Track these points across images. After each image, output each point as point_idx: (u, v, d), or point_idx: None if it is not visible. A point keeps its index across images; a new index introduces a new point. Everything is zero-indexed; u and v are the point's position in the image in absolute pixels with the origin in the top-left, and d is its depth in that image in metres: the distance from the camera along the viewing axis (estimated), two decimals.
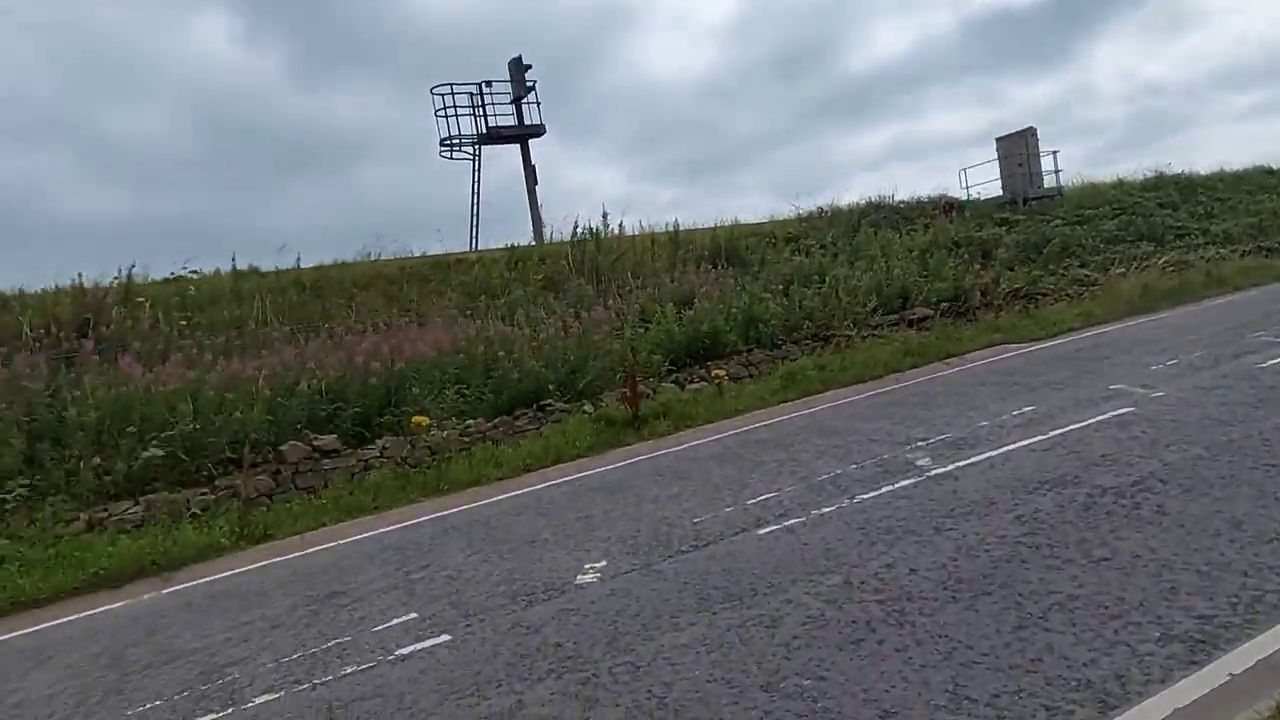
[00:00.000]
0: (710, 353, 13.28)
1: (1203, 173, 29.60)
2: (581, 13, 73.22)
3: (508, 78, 21.62)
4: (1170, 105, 79.39)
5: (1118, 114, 78.06)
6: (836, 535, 5.80)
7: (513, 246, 19.12)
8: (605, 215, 19.43)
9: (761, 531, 6.13)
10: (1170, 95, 79.93)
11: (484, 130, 21.05)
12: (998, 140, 25.03)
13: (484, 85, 20.84)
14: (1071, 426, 7.81)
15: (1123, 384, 9.43)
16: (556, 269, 18.11)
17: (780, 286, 15.60)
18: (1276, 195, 27.75)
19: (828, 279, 15.43)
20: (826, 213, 23.18)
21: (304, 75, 63.51)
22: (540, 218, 21.47)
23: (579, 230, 18.82)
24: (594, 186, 67.74)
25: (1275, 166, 31.82)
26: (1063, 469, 6.52)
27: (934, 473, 7.01)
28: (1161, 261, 17.72)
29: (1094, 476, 6.20)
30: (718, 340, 13.28)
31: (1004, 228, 21.38)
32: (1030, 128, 24.34)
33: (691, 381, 12.59)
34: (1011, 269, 16.93)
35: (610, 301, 16.01)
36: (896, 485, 6.80)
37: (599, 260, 18.25)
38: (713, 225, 21.26)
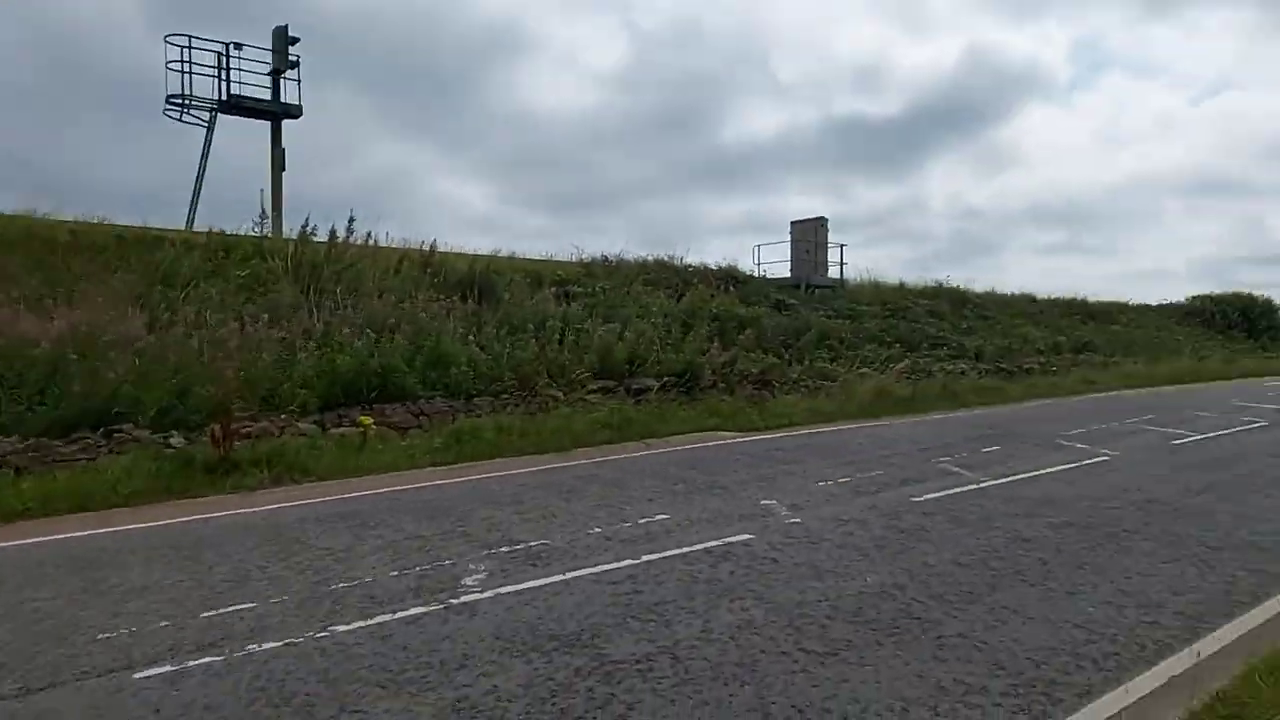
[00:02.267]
0: (383, 394, 11.44)
1: (978, 290, 31.19)
2: (475, 30, 71.60)
3: (272, 47, 19.15)
4: (985, 229, 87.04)
5: (943, 228, 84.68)
6: (220, 693, 4.11)
7: (220, 232, 16.54)
8: (351, 220, 17.16)
9: (139, 676, 4.34)
10: (986, 221, 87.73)
11: (224, 96, 18.42)
12: (792, 224, 25.02)
13: (231, 46, 18.27)
14: (672, 551, 6.56)
15: (775, 500, 8.42)
16: (269, 270, 15.76)
17: (505, 331, 14.06)
18: (1032, 323, 29.50)
19: (548, 329, 14.04)
20: (610, 262, 22.06)
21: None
22: (281, 210, 18.97)
23: (308, 228, 16.46)
24: (459, 199, 65.30)
25: (1039, 296, 34.16)
26: (588, 620, 5.13)
27: (467, 598, 5.48)
28: (899, 366, 17.67)
29: (608, 641, 4.84)
30: (389, 380, 11.45)
31: (775, 309, 21.02)
32: (821, 218, 24.48)
33: (340, 425, 10.68)
34: (751, 352, 16.25)
35: (316, 315, 13.93)
36: (405, 613, 5.21)
37: (324, 268, 16.06)
38: (472, 253, 19.53)
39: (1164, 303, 42.87)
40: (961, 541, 6.83)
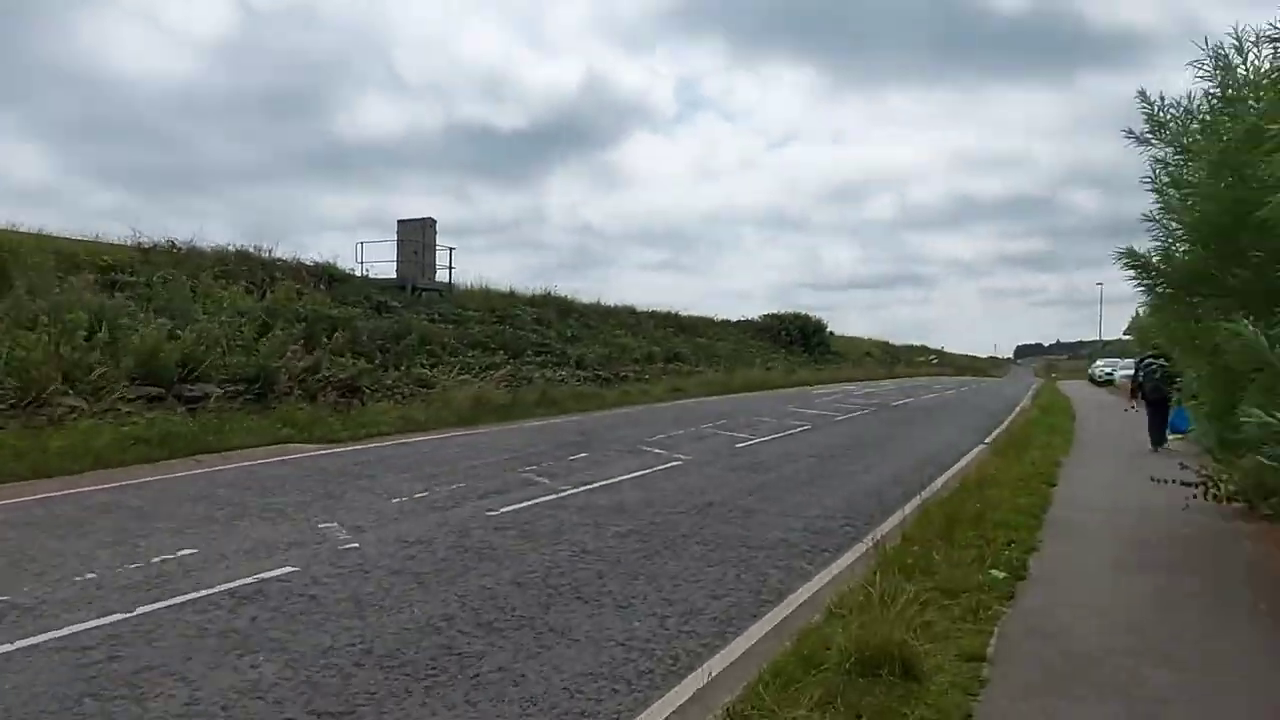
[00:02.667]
0: None
1: (584, 301, 32.66)
2: None
3: None
4: (600, 244, 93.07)
5: (562, 240, 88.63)
6: None
7: None
8: None
9: None
10: (601, 236, 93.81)
11: None
12: (399, 223, 23.84)
13: None
14: (184, 597, 5.27)
15: (337, 522, 7.44)
16: None
17: (8, 324, 11.09)
18: (631, 333, 31.63)
19: (69, 324, 11.39)
20: (178, 249, 18.94)
21: None
22: None
23: None
24: None
25: (639, 309, 36.88)
26: (26, 710, 3.82)
27: None
28: (500, 373, 17.55)
29: None
30: None
31: (376, 311, 19.70)
32: (429, 219, 23.65)
33: None
34: (341, 356, 14.92)
35: None
36: None
37: None
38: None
39: (743, 319, 49.18)
40: (526, 559, 6.46)
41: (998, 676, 4.09)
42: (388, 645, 4.64)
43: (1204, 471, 8.28)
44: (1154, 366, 13.66)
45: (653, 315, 37.39)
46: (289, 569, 6.01)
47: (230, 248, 19.42)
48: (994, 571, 5.84)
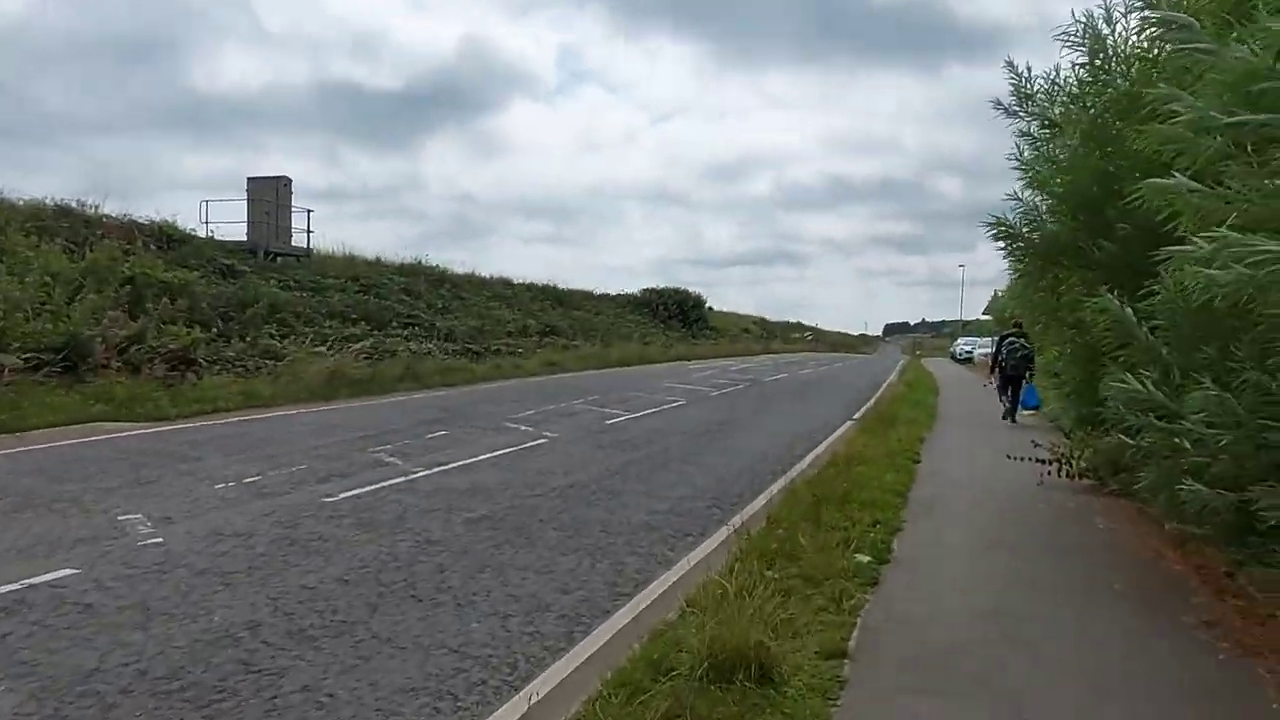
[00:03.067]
0: None
1: (458, 271, 31.44)
2: None
3: None
4: (481, 215, 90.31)
5: (442, 209, 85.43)
6: None
7: None
8: None
9: None
10: (481, 206, 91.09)
11: None
12: (250, 181, 21.98)
13: None
14: None
15: (143, 513, 6.53)
16: None
17: None
18: (506, 305, 30.73)
19: None
20: None
21: None
22: None
23: None
24: None
25: (515, 281, 35.92)
26: None
27: None
28: (358, 346, 16.47)
29: None
30: None
31: (222, 276, 18.09)
32: (284, 177, 21.99)
33: None
34: (173, 324, 13.44)
35: None
36: None
37: None
38: None
39: (622, 293, 48.77)
40: (360, 551, 5.79)
41: (858, 675, 3.79)
42: (170, 664, 3.91)
43: (1057, 449, 8.43)
44: (1014, 345, 14.09)
45: (530, 288, 36.50)
46: (67, 571, 5.14)
47: (48, 201, 17.34)
48: (859, 556, 5.61)
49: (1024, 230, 5.64)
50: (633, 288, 50.68)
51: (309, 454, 9.30)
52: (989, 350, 17.30)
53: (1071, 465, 8.24)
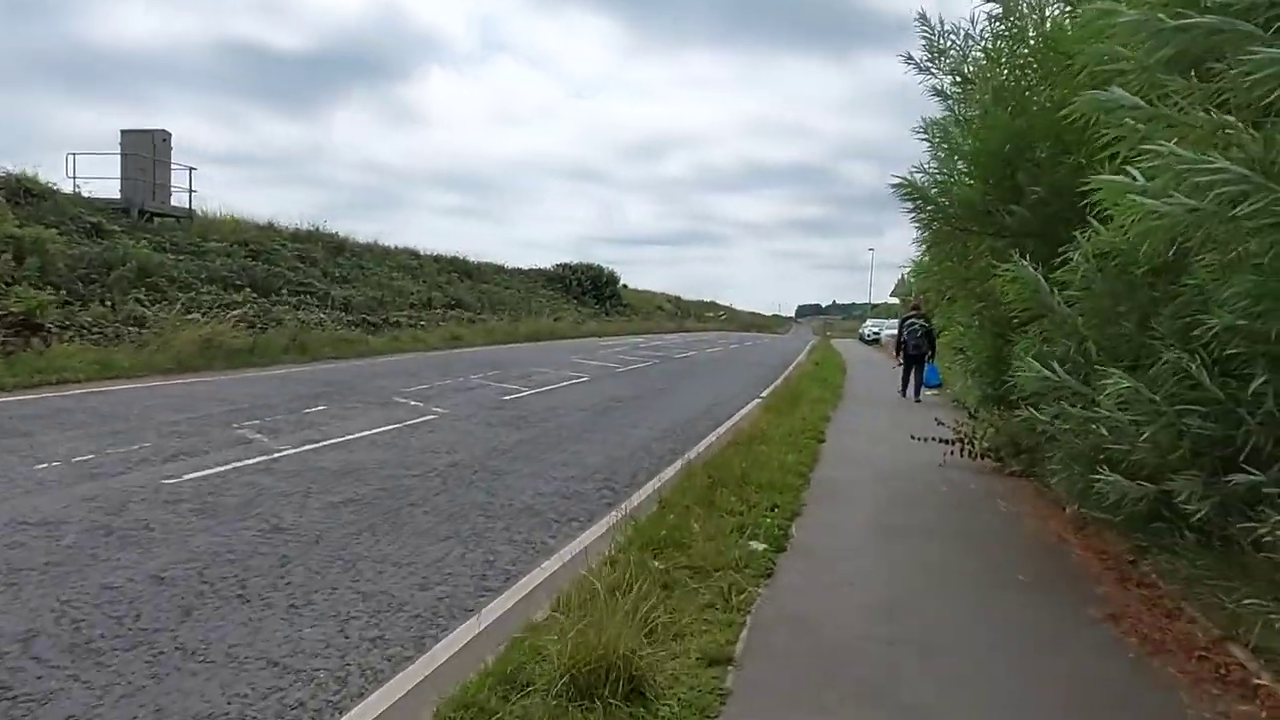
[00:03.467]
0: None
1: (361, 240, 29.97)
2: None
3: None
4: (392, 185, 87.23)
5: (352, 178, 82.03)
6: None
7: None
8: None
9: None
10: (393, 176, 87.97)
11: None
12: (123, 134, 20.13)
13: None
14: None
15: None
16: None
17: None
18: (411, 277, 29.50)
19: None
20: None
21: None
22: None
23: None
24: None
25: (422, 252, 34.56)
26: None
27: None
28: (236, 313, 15.28)
29: None
30: None
31: (87, 235, 16.50)
32: (163, 131, 20.27)
33: None
34: (16, 285, 12.04)
35: None
36: None
37: None
38: None
39: (534, 268, 47.69)
40: (191, 542, 5.04)
41: (742, 686, 3.32)
42: None
43: (960, 428, 8.23)
44: (915, 325, 14.49)
45: (437, 259, 35.17)
46: None
47: None
48: (753, 543, 5.19)
49: (933, 193, 5.27)
50: (548, 264, 49.69)
51: (161, 430, 8.37)
52: (895, 332, 17.47)
53: (974, 445, 8.05)
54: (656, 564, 4.78)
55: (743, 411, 12.38)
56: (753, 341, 44.33)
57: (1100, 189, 2.87)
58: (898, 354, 15.37)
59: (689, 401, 13.56)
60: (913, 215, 5.46)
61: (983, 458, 7.93)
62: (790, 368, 22.35)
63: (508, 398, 12.60)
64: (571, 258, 52.14)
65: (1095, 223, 3.68)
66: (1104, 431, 3.40)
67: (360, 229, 41.93)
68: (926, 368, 14.51)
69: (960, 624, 4.12)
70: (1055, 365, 3.61)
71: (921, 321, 14.32)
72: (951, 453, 8.04)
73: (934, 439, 8.25)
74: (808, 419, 10.85)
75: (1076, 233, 3.66)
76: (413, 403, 11.37)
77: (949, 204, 5.10)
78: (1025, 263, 3.63)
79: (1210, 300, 3.18)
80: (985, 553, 5.41)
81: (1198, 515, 3.29)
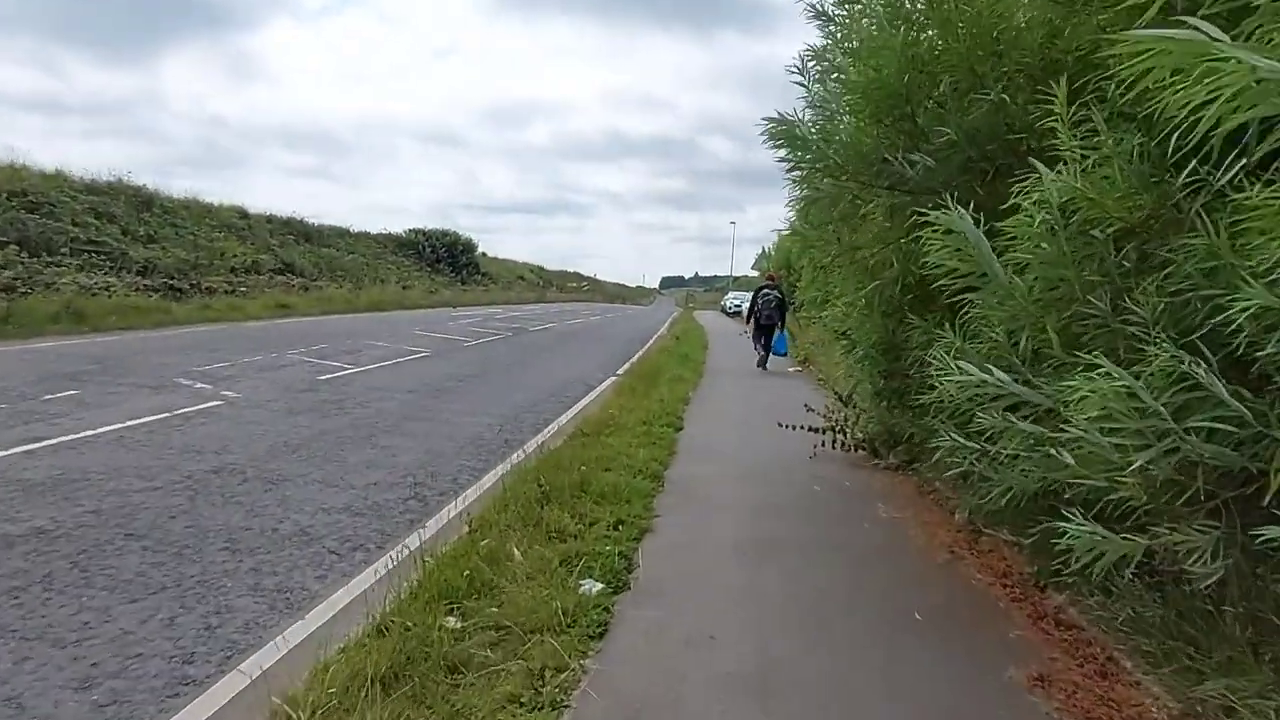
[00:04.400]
0: None
1: (178, 196, 26.62)
2: None
3: None
4: (234, 142, 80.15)
5: (189, 133, 74.51)
6: None
7: None
8: None
9: None
10: (235, 132, 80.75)
11: None
12: None
13: None
14: None
15: None
16: None
17: None
18: (237, 238, 26.54)
19: None
20: None
21: None
22: None
23: None
24: None
25: (252, 211, 31.32)
26: None
27: None
28: None
29: None
30: None
31: None
32: None
33: None
34: None
35: None
36: None
37: None
38: None
39: (384, 232, 44.64)
40: None
41: None
42: None
43: (831, 415, 7.31)
44: (768, 296, 14.82)
45: (270, 220, 31.99)
46: None
47: None
48: (586, 583, 3.95)
49: (813, 136, 4.11)
50: (400, 229, 46.68)
51: None
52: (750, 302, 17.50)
53: (846, 436, 7.15)
54: (451, 623, 3.48)
55: (596, 392, 11.17)
56: (615, 313, 43.34)
57: (1148, 56, 1.74)
58: (748, 321, 15.69)
59: (538, 380, 12.22)
60: (788, 164, 4.32)
61: (856, 450, 7.04)
62: (651, 341, 21.35)
63: (325, 377, 10.83)
64: (430, 224, 49.23)
65: (1040, 164, 2.61)
66: (1069, 460, 2.34)
67: (198, 186, 37.76)
68: (777, 336, 14.93)
69: (855, 701, 3.03)
70: (992, 367, 2.54)
71: (775, 293, 14.79)
72: (823, 444, 7.10)
73: (803, 427, 7.30)
74: (666, 401, 9.75)
75: (1034, 174, 2.57)
76: (199, 385, 9.47)
77: (833, 152, 4.00)
78: (964, 212, 2.53)
79: (1228, 272, 2.15)
80: (872, 578, 4.39)
81: (1206, 582, 2.28)
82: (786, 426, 7.41)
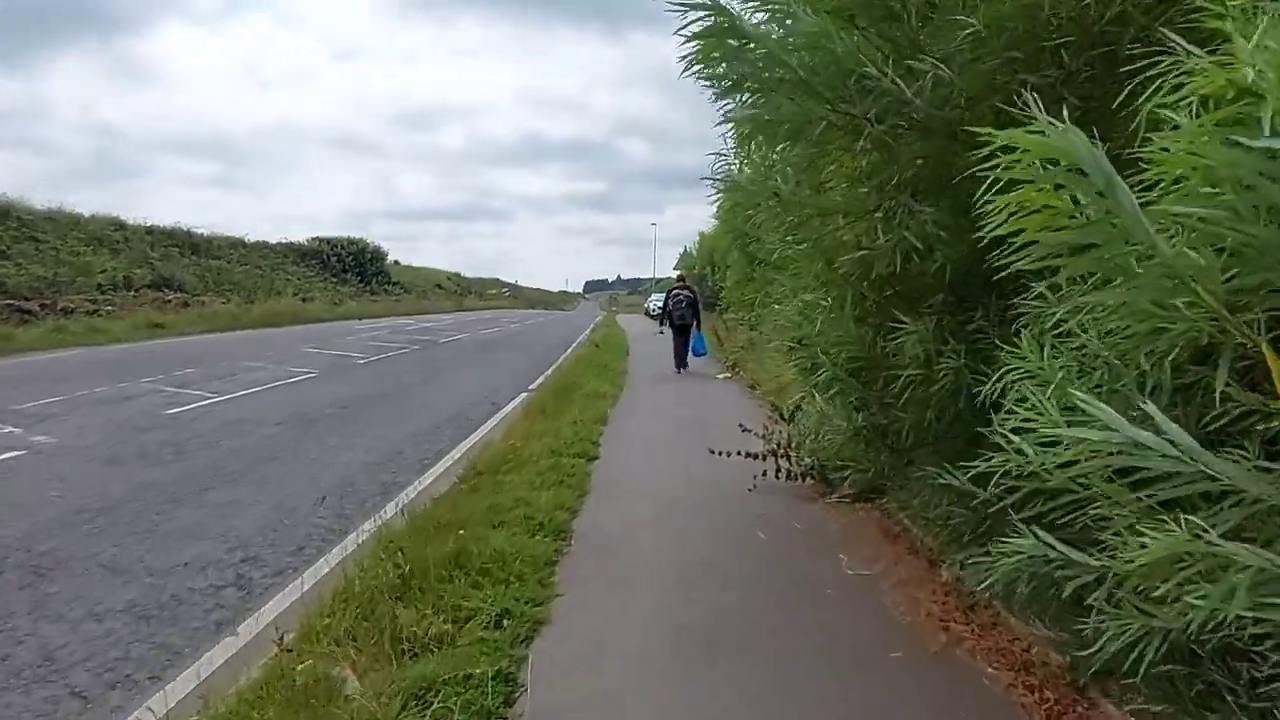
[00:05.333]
0: None
1: (40, 207, 23.99)
2: None
3: None
4: (130, 152, 75.01)
5: (78, 143, 69.30)
6: None
7: None
8: None
9: None
10: (130, 142, 75.65)
11: None
12: None
13: None
14: None
15: None
16: None
17: None
18: (110, 251, 24.13)
19: None
20: None
21: None
22: None
23: None
24: None
25: (129, 221, 28.72)
26: None
27: None
28: None
29: None
30: None
31: None
32: None
33: None
34: None
35: None
36: None
37: None
38: None
39: (284, 241, 41.94)
40: None
41: None
42: None
43: (771, 436, 6.14)
44: (680, 297, 14.45)
45: (151, 230, 29.39)
46: None
47: None
48: None
49: (761, 31, 2.71)
50: (303, 237, 44.02)
51: None
52: (662, 305, 17.06)
53: (790, 460, 5.98)
54: None
55: (504, 413, 9.81)
56: (537, 320, 41.78)
57: None
58: (662, 324, 15.46)
59: (439, 401, 10.77)
60: (725, 83, 2.92)
61: (803, 479, 5.87)
62: (570, 350, 19.98)
63: (174, 411, 9.17)
64: (348, 233, 46.66)
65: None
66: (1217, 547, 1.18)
67: (89, 200, 34.80)
68: (693, 336, 14.59)
69: None
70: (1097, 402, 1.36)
71: (687, 294, 14.57)
72: (765, 473, 5.91)
73: (739, 453, 6.11)
74: (580, 422, 8.46)
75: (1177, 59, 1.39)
76: (6, 429, 7.74)
77: (794, 58, 2.66)
78: (1075, 130, 1.37)
79: None
80: (849, 688, 3.18)
81: None
82: (720, 454, 6.20)
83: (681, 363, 14.47)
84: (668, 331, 15.05)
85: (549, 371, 14.49)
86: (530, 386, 12.20)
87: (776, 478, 5.88)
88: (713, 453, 6.21)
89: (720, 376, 13.55)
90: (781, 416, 6.31)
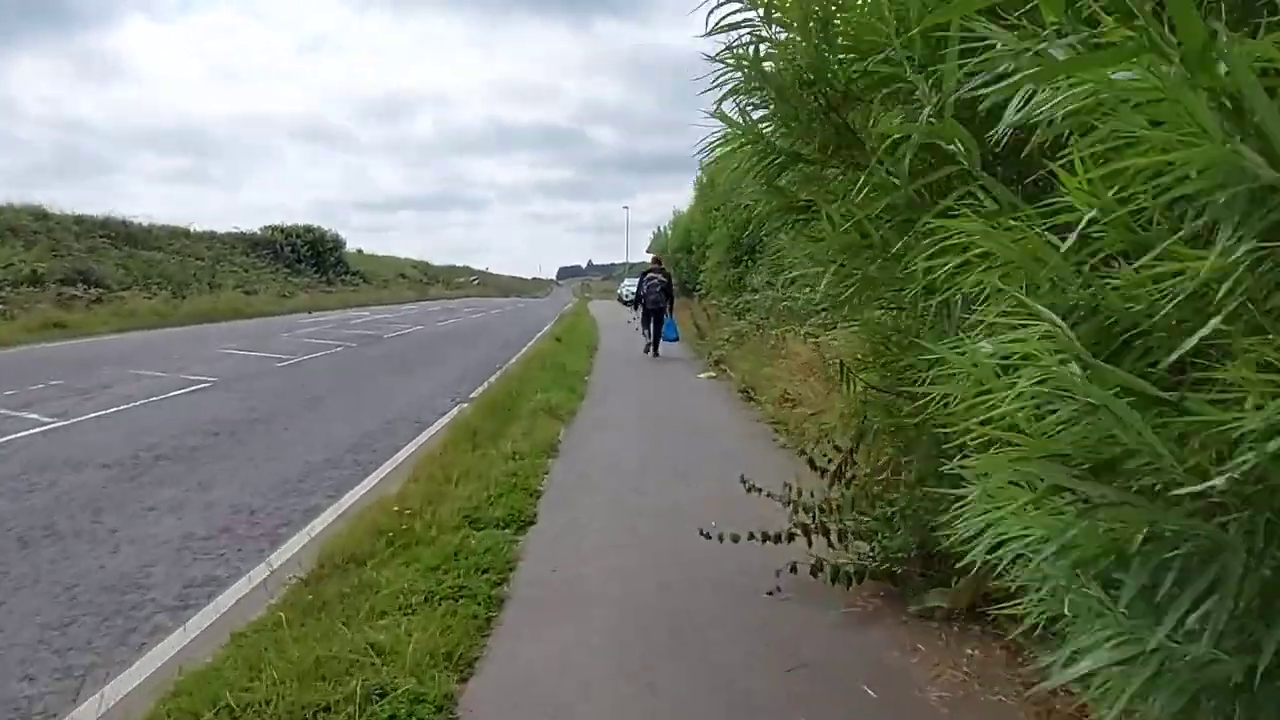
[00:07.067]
0: None
1: None
2: None
3: None
4: (98, 147, 71.15)
5: (44, 138, 65.50)
6: None
7: None
8: None
9: None
10: (98, 137, 71.73)
11: None
12: None
13: None
14: None
15: None
16: None
17: None
18: (25, 244, 21.54)
19: None
20: None
21: None
22: None
23: None
24: None
25: (52, 211, 26.02)
26: None
27: None
28: None
29: None
30: None
31: None
32: None
33: None
34: None
35: None
36: None
37: None
38: None
39: (235, 230, 39.14)
40: None
41: None
42: None
43: (799, 505, 3.87)
44: (654, 280, 14.25)
45: (79, 221, 26.75)
46: None
47: None
48: None
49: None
50: (255, 227, 41.23)
51: None
52: (635, 288, 16.88)
53: (830, 539, 3.73)
54: None
55: (424, 437, 7.56)
56: (503, 308, 39.35)
57: None
58: (636, 308, 15.18)
59: (349, 418, 8.47)
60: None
61: (860, 580, 3.59)
62: (529, 344, 17.64)
63: (8, 437, 6.85)
64: (321, 225, 43.92)
65: None
66: None
67: (57, 197, 32.27)
68: (665, 322, 14.36)
69: None
70: None
71: (661, 277, 14.38)
72: (793, 568, 3.64)
73: (752, 536, 3.84)
74: (520, 454, 6.22)
75: None
76: None
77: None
78: None
79: None
80: None
81: None
82: (715, 537, 3.90)
83: (653, 348, 14.18)
84: (638, 320, 14.75)
85: (499, 372, 12.18)
86: (471, 395, 9.91)
87: (813, 575, 3.63)
88: (705, 535, 3.92)
89: (703, 376, 11.34)
90: (812, 465, 4.05)
